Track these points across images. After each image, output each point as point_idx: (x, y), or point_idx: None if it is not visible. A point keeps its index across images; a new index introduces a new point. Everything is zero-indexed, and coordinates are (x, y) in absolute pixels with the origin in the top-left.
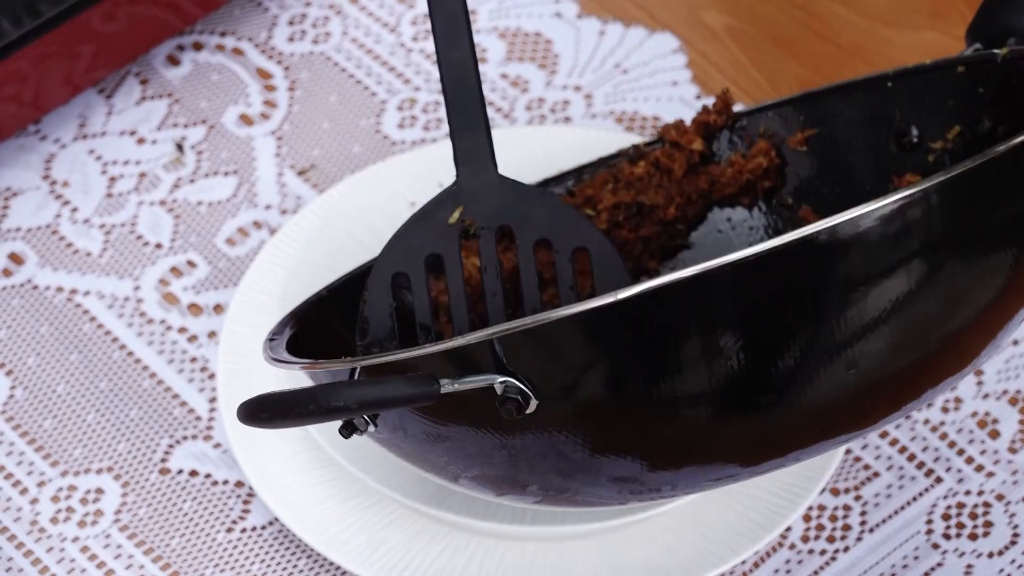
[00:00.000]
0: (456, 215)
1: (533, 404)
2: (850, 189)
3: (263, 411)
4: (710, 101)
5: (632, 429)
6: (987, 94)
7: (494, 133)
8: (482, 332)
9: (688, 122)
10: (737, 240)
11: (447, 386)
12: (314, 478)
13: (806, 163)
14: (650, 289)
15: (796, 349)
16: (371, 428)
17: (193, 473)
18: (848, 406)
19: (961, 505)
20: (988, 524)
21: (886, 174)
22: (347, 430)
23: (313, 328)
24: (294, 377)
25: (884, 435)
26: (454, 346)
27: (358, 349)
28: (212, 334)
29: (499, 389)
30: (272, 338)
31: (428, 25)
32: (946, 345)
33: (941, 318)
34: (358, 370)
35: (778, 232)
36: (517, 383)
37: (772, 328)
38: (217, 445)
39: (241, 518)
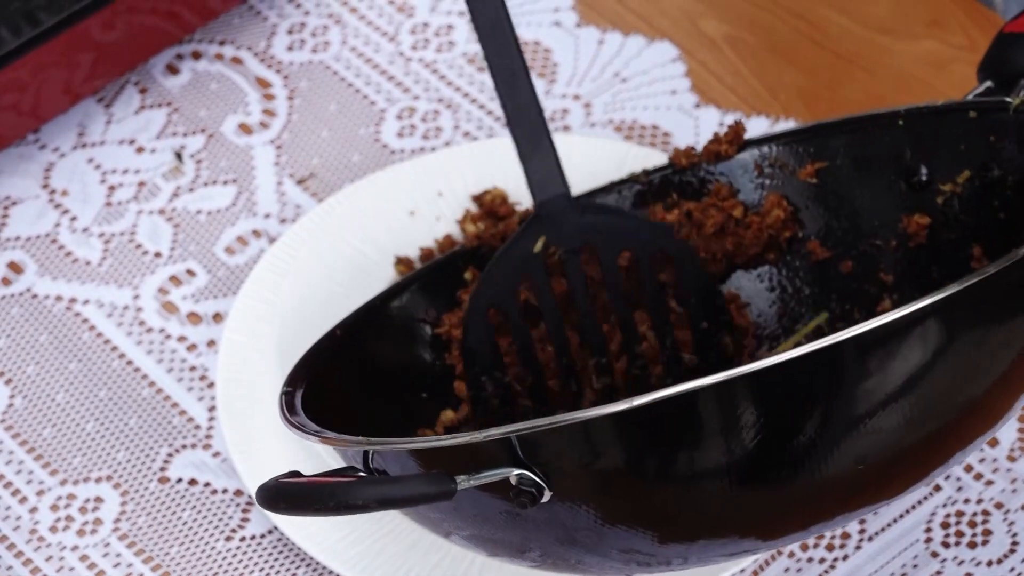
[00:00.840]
0: (539, 245)
1: (547, 495)
2: (858, 223)
3: (282, 500)
4: (709, 110)
5: (645, 508)
6: (997, 142)
7: (494, 142)
8: (500, 429)
9: (697, 146)
10: (750, 287)
11: (463, 483)
12: None
13: (815, 195)
14: (667, 396)
15: (809, 436)
16: None
17: (192, 482)
18: (872, 477)
19: (960, 513)
20: (987, 532)
21: (894, 210)
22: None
23: (326, 374)
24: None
25: None
26: (470, 442)
27: (467, 377)
28: (211, 343)
29: (514, 480)
30: (287, 390)
31: (426, 34)
32: (969, 411)
33: (962, 386)
34: (371, 453)
35: (795, 273)
36: (532, 476)
37: (788, 416)
38: (216, 454)
39: (240, 527)
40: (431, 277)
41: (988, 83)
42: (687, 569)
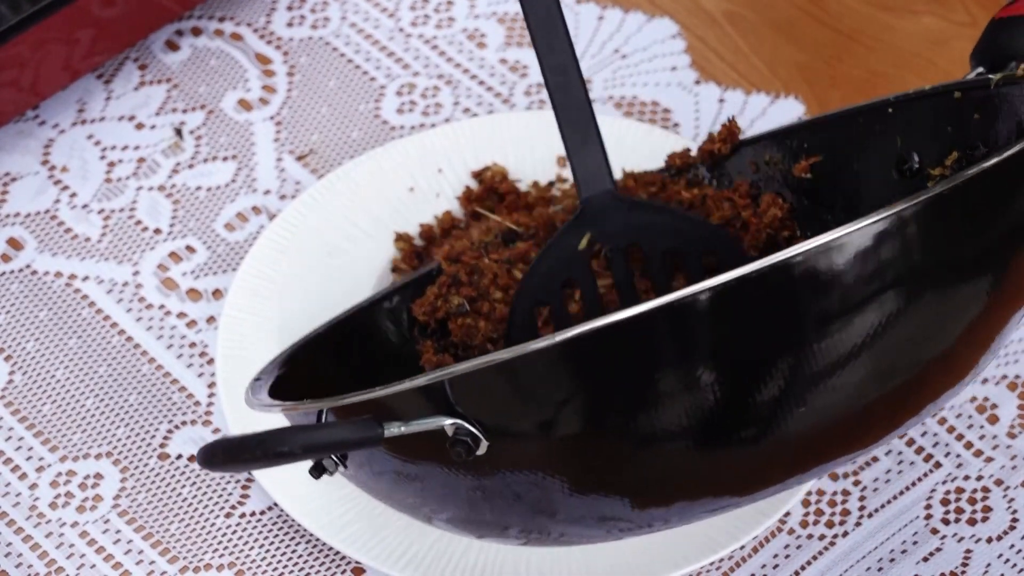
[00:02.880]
0: (584, 241)
1: (483, 446)
2: (853, 216)
3: (217, 455)
4: (709, 87)
5: (607, 467)
6: (981, 120)
7: (492, 119)
8: (429, 375)
9: (693, 150)
10: None
11: (393, 429)
12: None
13: (810, 190)
14: (598, 327)
15: (777, 380)
16: (341, 468)
17: (192, 458)
18: (842, 431)
19: (960, 490)
20: (987, 509)
21: (888, 201)
22: (316, 471)
23: (304, 368)
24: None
25: None
26: (402, 389)
27: None
28: (211, 319)
29: (449, 431)
30: (258, 378)
31: (426, 10)
32: (937, 364)
33: (926, 340)
34: (324, 412)
35: None
36: (466, 425)
37: (750, 359)
38: (216, 430)
39: (240, 503)
40: (422, 283)
41: (980, 68)
42: (673, 528)
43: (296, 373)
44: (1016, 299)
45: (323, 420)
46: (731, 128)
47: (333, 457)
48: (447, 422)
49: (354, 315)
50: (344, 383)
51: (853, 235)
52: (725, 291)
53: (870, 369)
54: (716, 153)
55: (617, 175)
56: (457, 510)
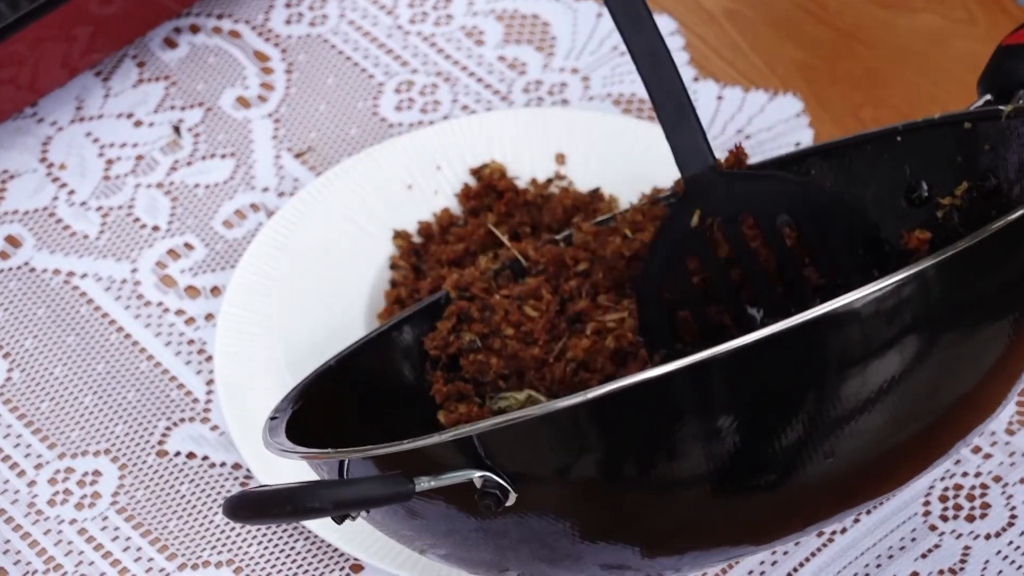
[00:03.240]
0: (695, 218)
1: (512, 498)
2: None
3: (245, 509)
4: (708, 84)
5: (621, 515)
6: (992, 151)
7: (490, 116)
8: (459, 429)
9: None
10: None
11: (423, 484)
12: None
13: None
14: (628, 386)
15: (797, 430)
16: (363, 514)
17: (190, 455)
18: (867, 476)
19: (958, 487)
20: (985, 506)
21: (895, 227)
22: (339, 519)
23: (316, 401)
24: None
25: None
26: (432, 443)
27: (650, 357)
28: (209, 316)
29: (478, 483)
30: (274, 416)
31: (424, 7)
32: (964, 404)
33: (950, 383)
34: (347, 463)
35: (792, 303)
36: (496, 478)
37: (771, 410)
38: (215, 427)
39: None
40: (430, 310)
41: (987, 96)
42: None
43: (309, 407)
44: None
45: (345, 470)
46: (738, 154)
47: None
48: (476, 475)
49: (364, 346)
50: (355, 415)
51: (877, 294)
52: (747, 350)
53: (893, 415)
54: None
55: (621, 174)
56: (455, 548)
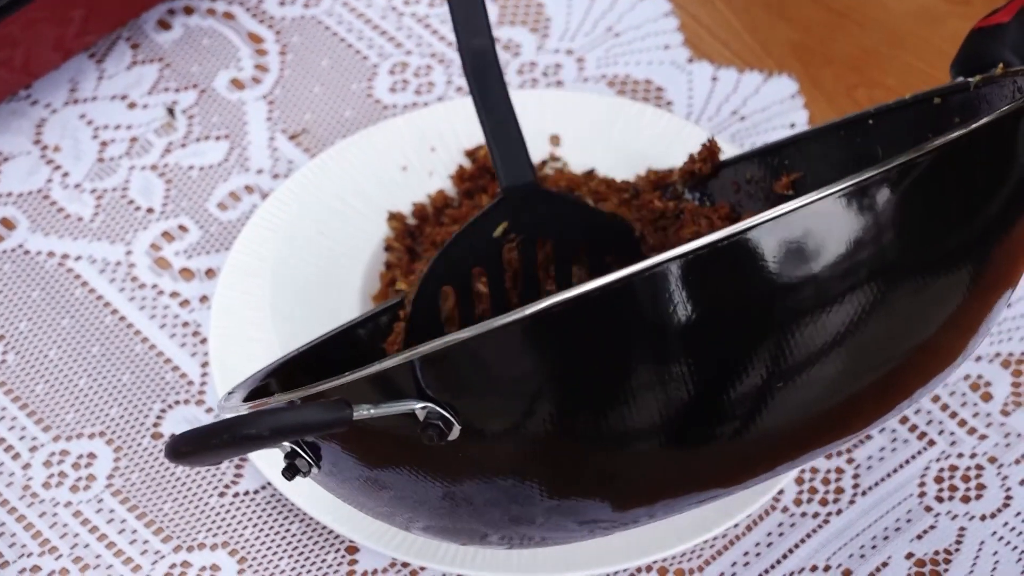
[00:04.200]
0: (500, 230)
1: (456, 430)
2: None
3: (184, 445)
4: (702, 65)
5: (581, 469)
6: (961, 123)
7: None
8: (400, 356)
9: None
10: None
11: (363, 411)
12: None
13: None
14: (564, 301)
15: (755, 372)
16: (314, 470)
17: None
18: (830, 419)
19: (954, 468)
20: (981, 487)
21: None
22: (289, 472)
23: (282, 386)
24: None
25: None
26: (375, 371)
27: (404, 347)
28: (204, 298)
29: (420, 415)
30: (231, 392)
31: None
32: (924, 351)
33: (909, 328)
34: (295, 403)
35: None
36: (438, 409)
37: (724, 344)
38: (209, 410)
39: (234, 482)
40: (398, 306)
41: (960, 78)
42: (659, 520)
43: (271, 390)
44: (1000, 284)
45: None
46: (711, 148)
47: (305, 456)
48: (418, 405)
49: (332, 338)
50: None
51: (817, 204)
52: (694, 261)
53: (852, 358)
54: (697, 173)
55: (615, 156)
56: (432, 519)
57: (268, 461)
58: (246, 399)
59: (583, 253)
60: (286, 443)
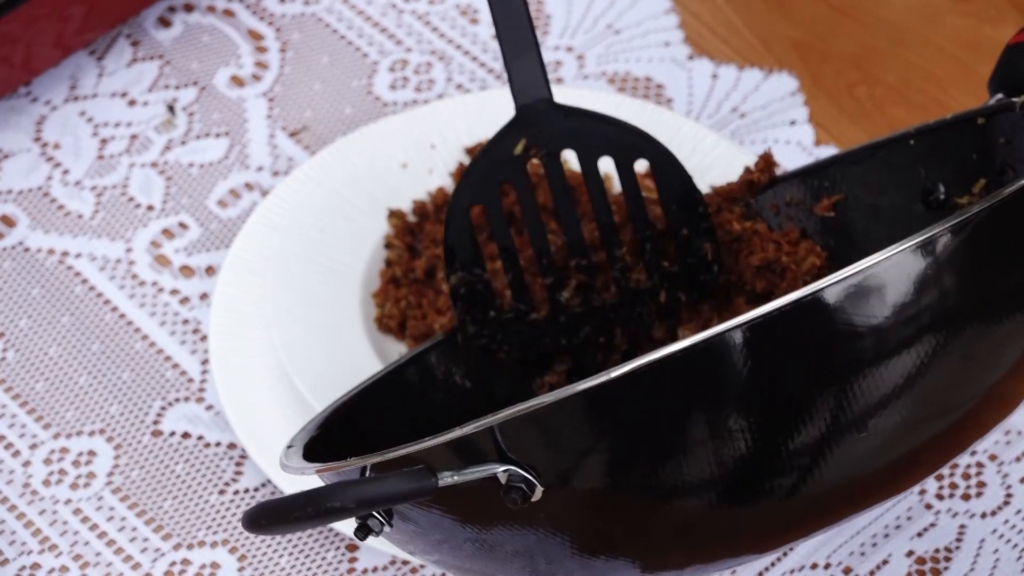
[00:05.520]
0: (520, 147)
1: (539, 492)
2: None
3: (263, 518)
4: (702, 62)
5: (623, 522)
6: (1008, 144)
7: (487, 94)
8: (479, 422)
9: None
10: None
11: (447, 478)
12: None
13: (835, 230)
14: (643, 366)
15: (814, 425)
16: (386, 528)
17: (185, 435)
18: (882, 478)
19: (954, 466)
20: (981, 484)
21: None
22: (362, 532)
23: (337, 432)
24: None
25: None
26: (457, 436)
27: (448, 276)
28: (204, 296)
29: (503, 478)
30: (291, 445)
31: None
32: (982, 402)
33: (971, 379)
34: (368, 468)
35: None
36: (520, 471)
37: (782, 404)
38: (209, 407)
39: (234, 480)
40: (449, 344)
41: (999, 95)
42: None
43: (331, 437)
44: None
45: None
46: (767, 158)
47: (379, 516)
48: (500, 469)
49: (388, 375)
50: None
51: (883, 264)
52: (758, 326)
53: (913, 408)
54: (756, 182)
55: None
56: (446, 557)
57: (268, 457)
58: (307, 454)
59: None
60: None
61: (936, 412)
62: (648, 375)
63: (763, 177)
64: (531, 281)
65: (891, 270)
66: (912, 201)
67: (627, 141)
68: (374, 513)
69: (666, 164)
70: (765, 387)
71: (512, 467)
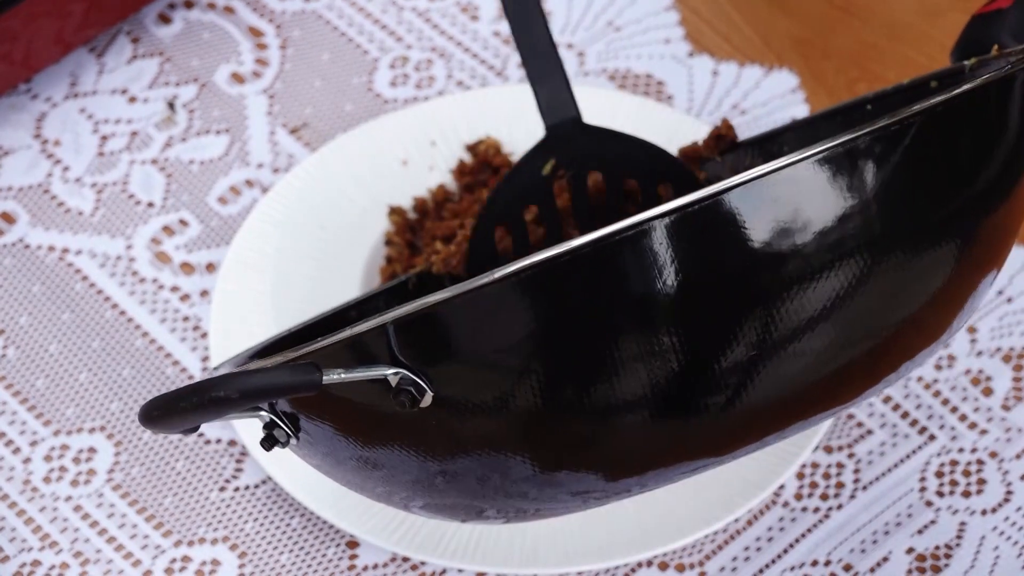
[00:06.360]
0: (548, 167)
1: (428, 397)
2: None
3: (155, 410)
4: (703, 59)
5: (567, 442)
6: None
7: (487, 91)
8: (373, 320)
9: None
10: None
11: (333, 375)
12: None
13: None
14: (539, 263)
15: (743, 344)
16: (293, 441)
17: (186, 432)
18: (817, 391)
19: (954, 463)
20: (981, 481)
21: None
22: (267, 442)
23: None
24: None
25: None
26: (348, 336)
27: None
28: (204, 293)
29: (393, 381)
30: (216, 368)
31: None
32: (910, 325)
33: (894, 304)
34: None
35: None
36: (410, 375)
37: (711, 313)
38: None
39: (234, 477)
40: (395, 291)
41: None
42: (652, 490)
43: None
44: (986, 262)
45: None
46: (727, 122)
47: (284, 426)
48: (390, 371)
49: (326, 319)
50: None
51: (798, 165)
52: (681, 220)
53: (838, 331)
54: (724, 137)
55: None
56: (428, 497)
57: (268, 454)
58: None
59: (637, 193)
60: (264, 412)
61: (862, 332)
62: (544, 274)
63: (730, 133)
64: None
65: (808, 174)
66: None
67: (654, 164)
68: (278, 422)
69: (688, 181)
70: (682, 292)
71: (402, 370)
